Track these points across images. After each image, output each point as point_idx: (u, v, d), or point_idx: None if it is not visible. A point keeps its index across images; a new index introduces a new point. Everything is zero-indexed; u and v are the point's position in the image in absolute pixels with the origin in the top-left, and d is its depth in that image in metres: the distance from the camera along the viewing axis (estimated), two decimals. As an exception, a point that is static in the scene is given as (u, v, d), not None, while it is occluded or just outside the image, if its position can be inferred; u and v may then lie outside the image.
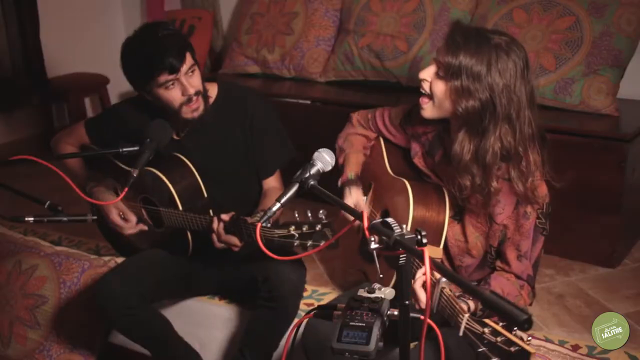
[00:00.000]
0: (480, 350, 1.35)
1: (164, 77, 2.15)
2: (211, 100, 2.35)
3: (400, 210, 2.05)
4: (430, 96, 1.89)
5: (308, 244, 1.68)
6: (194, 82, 2.21)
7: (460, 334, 1.46)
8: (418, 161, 2.12)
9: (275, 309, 2.22)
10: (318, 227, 1.67)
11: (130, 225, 2.39)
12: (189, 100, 2.20)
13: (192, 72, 2.21)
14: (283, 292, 2.21)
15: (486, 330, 1.36)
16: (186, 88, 2.19)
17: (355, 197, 2.21)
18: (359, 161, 2.32)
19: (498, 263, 1.97)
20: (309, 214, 1.68)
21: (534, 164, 1.85)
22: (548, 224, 1.92)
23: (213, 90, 2.38)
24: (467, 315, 1.47)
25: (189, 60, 2.19)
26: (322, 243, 1.66)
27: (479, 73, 1.77)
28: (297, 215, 1.69)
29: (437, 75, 1.86)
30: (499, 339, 1.33)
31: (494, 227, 1.93)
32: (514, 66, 1.79)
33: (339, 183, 2.25)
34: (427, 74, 1.88)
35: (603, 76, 2.91)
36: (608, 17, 2.93)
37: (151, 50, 2.16)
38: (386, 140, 2.32)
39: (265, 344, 2.28)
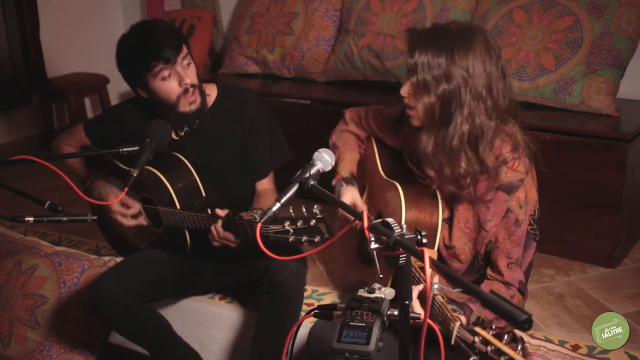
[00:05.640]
0: (471, 359, 1.35)
1: (160, 68, 2.17)
2: (210, 100, 2.36)
3: (392, 212, 2.04)
4: (414, 109, 1.89)
5: (303, 239, 1.69)
6: (190, 73, 2.23)
7: (452, 342, 1.46)
8: (412, 166, 2.13)
9: (280, 300, 2.21)
10: (312, 222, 1.67)
11: (133, 212, 2.38)
12: (186, 91, 2.22)
13: (188, 64, 2.23)
14: (284, 277, 2.21)
15: (477, 339, 1.37)
16: (183, 78, 2.20)
17: (351, 196, 2.18)
18: (354, 159, 2.31)
19: (489, 271, 1.96)
20: (304, 209, 1.68)
21: (509, 135, 1.87)
22: (538, 230, 1.92)
23: (212, 91, 2.38)
24: (458, 323, 1.47)
25: (185, 51, 2.21)
26: (317, 238, 1.67)
27: (439, 64, 1.79)
28: (291, 210, 1.69)
29: (410, 84, 1.87)
30: (489, 348, 1.33)
31: (482, 233, 1.93)
32: (477, 45, 1.80)
33: (333, 182, 2.24)
34: (404, 89, 1.89)
35: (603, 76, 2.91)
36: (608, 17, 2.93)
37: (147, 43, 2.19)
38: (378, 140, 2.31)
39: (275, 342, 2.23)
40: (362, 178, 2.32)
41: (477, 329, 1.39)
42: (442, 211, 2.01)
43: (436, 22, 2.10)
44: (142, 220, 2.41)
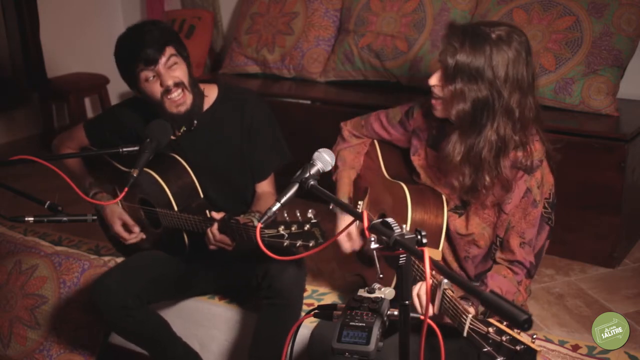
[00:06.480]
0: (485, 350, 1.34)
1: (140, 69, 2.19)
2: (210, 101, 2.36)
3: (398, 213, 2.05)
4: (442, 99, 1.90)
5: (297, 244, 1.69)
6: (175, 73, 2.22)
7: (465, 334, 1.45)
8: (416, 158, 2.12)
9: (279, 305, 2.21)
10: (307, 226, 1.68)
11: (133, 236, 2.44)
12: (168, 91, 2.21)
13: (175, 64, 2.22)
14: (283, 283, 2.20)
15: (491, 329, 1.35)
16: (164, 79, 2.20)
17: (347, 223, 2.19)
18: (351, 179, 2.32)
19: (498, 254, 1.97)
20: (298, 214, 1.68)
21: (531, 138, 1.89)
22: (553, 215, 1.94)
23: (212, 91, 2.38)
24: (470, 315, 1.46)
25: (169, 52, 2.20)
26: (312, 243, 1.68)
27: (477, 69, 1.79)
28: (286, 215, 1.70)
29: (443, 78, 1.87)
30: (504, 337, 1.32)
31: (502, 216, 1.95)
32: (516, 54, 1.80)
33: (331, 206, 2.24)
34: (435, 80, 1.90)
35: (603, 76, 2.91)
36: (608, 17, 2.93)
37: (130, 45, 2.21)
38: (380, 141, 2.31)
39: (274, 347, 2.23)
40: (364, 182, 2.32)
41: (492, 320, 1.38)
42: (452, 200, 2.02)
43: (479, 20, 2.08)
44: (143, 235, 2.45)
